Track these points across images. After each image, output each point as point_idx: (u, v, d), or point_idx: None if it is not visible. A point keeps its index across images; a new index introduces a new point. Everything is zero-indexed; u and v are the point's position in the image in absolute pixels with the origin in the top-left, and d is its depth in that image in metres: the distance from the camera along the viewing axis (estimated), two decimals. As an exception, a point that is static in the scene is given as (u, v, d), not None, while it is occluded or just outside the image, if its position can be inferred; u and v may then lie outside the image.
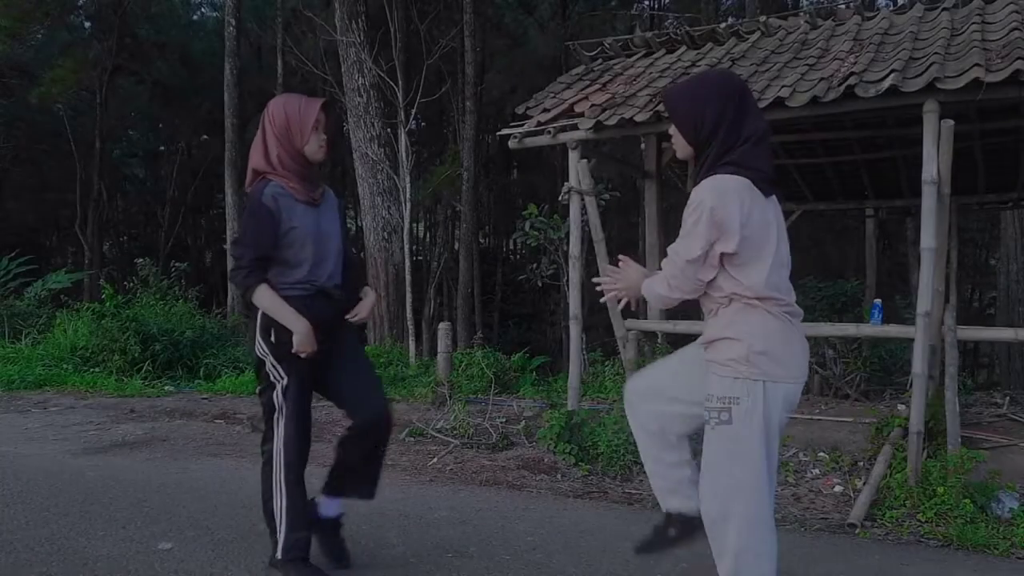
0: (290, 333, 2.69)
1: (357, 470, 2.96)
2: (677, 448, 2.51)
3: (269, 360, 2.78)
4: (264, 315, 2.75)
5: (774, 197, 2.28)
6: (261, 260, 2.70)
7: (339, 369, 2.89)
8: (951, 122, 4.60)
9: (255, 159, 2.75)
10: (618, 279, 2.47)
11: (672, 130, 2.35)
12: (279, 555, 2.76)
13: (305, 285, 2.76)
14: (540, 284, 10.45)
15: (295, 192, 2.71)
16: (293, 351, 2.70)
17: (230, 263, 2.70)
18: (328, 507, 3.00)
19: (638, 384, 2.63)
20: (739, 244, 2.14)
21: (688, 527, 2.51)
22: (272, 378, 2.79)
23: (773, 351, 2.18)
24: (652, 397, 2.52)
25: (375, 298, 3.04)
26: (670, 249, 2.26)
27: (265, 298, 2.71)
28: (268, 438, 2.83)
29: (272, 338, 2.75)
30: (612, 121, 5.33)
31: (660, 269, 2.33)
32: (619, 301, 2.53)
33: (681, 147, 2.32)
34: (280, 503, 2.76)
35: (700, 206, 2.15)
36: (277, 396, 2.78)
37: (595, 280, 2.56)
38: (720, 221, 2.13)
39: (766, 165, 2.24)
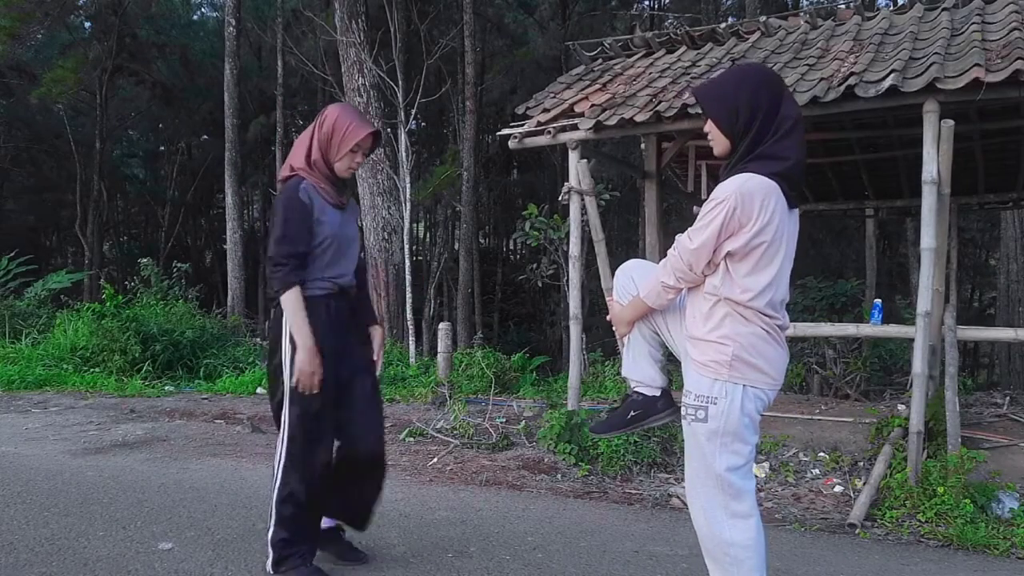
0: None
1: (343, 493, 2.95)
2: (655, 340, 2.54)
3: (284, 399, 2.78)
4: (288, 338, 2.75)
5: (796, 211, 2.27)
6: (301, 257, 2.75)
7: (349, 407, 2.91)
8: (951, 122, 4.59)
9: (296, 157, 2.84)
10: (611, 319, 2.53)
11: (708, 126, 2.30)
12: (270, 568, 2.80)
13: (327, 283, 2.84)
14: (540, 284, 10.46)
15: (325, 194, 2.81)
16: (297, 366, 2.71)
17: (271, 258, 2.75)
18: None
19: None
20: (748, 247, 2.14)
21: (647, 407, 2.53)
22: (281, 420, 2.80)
23: (757, 360, 2.20)
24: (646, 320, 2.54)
25: (382, 335, 3.18)
26: (679, 237, 2.26)
27: (294, 300, 2.73)
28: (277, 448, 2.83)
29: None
30: (612, 121, 5.33)
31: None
32: (624, 337, 2.55)
33: (719, 142, 2.29)
34: (272, 520, 2.78)
35: (724, 203, 2.13)
36: (282, 441, 2.79)
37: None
38: (738, 221, 2.12)
39: (799, 155, 2.22)
